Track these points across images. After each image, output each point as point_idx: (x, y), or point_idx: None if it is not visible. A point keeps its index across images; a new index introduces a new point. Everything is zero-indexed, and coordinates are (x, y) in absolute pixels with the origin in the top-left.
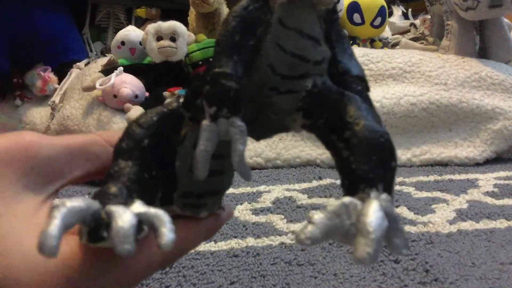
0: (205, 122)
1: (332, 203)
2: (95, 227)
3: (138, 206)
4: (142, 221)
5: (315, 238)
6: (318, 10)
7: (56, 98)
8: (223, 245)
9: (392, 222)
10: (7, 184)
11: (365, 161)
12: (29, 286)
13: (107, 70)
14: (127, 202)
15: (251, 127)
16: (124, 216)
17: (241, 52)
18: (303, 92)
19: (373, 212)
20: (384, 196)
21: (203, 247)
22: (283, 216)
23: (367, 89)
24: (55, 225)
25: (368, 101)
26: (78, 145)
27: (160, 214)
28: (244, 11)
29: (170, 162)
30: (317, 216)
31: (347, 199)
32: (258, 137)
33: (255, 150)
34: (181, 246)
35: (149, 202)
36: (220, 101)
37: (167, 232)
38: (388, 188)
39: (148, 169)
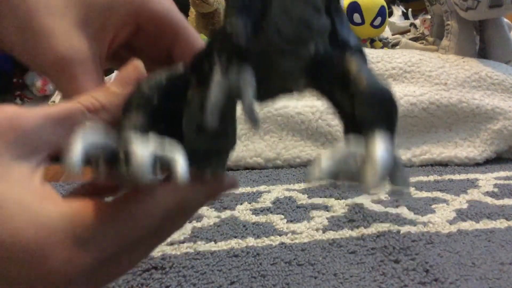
0: (216, 72)
1: (337, 144)
2: (112, 156)
3: (153, 139)
4: (156, 156)
5: (324, 175)
6: None
7: (56, 98)
8: (223, 245)
9: (394, 160)
10: None
11: (369, 108)
12: (37, 245)
13: (107, 70)
14: (142, 136)
15: (258, 91)
16: (142, 145)
17: (250, 12)
18: (306, 56)
19: (378, 144)
20: (387, 136)
21: (203, 247)
22: (283, 216)
23: (365, 60)
24: (78, 143)
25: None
26: (61, 115)
27: (175, 147)
28: None
29: (176, 121)
30: (324, 154)
31: (351, 137)
32: (261, 99)
33: (255, 150)
34: (184, 203)
35: None
36: (230, 52)
37: (182, 163)
38: (390, 132)
39: (156, 125)
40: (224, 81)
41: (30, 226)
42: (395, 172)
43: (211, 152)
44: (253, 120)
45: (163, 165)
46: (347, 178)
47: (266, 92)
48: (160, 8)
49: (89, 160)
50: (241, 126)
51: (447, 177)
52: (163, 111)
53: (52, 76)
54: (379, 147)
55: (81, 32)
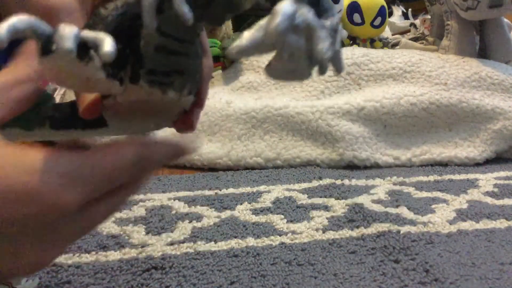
0: None
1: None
2: (46, 42)
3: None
4: (87, 43)
5: (244, 49)
6: None
7: (56, 98)
8: (223, 245)
9: (311, 30)
10: None
11: None
12: (30, 184)
13: None
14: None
15: (205, 12)
16: (68, 27)
17: None
18: None
19: (282, 2)
20: (306, 6)
21: (203, 247)
22: (283, 216)
23: None
24: (13, 19)
25: None
26: (10, 82)
27: (101, 33)
28: None
29: (135, 43)
30: (247, 32)
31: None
32: (213, 21)
33: (255, 150)
34: (147, 159)
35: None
36: None
37: (108, 42)
38: (315, 4)
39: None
40: None
41: (20, 170)
42: (315, 42)
43: (171, 72)
44: (181, 12)
45: (92, 46)
46: (266, 47)
47: (216, 12)
48: None
49: (20, 34)
50: (241, 126)
51: (447, 177)
52: (120, 30)
53: None
54: (282, 3)
55: None
